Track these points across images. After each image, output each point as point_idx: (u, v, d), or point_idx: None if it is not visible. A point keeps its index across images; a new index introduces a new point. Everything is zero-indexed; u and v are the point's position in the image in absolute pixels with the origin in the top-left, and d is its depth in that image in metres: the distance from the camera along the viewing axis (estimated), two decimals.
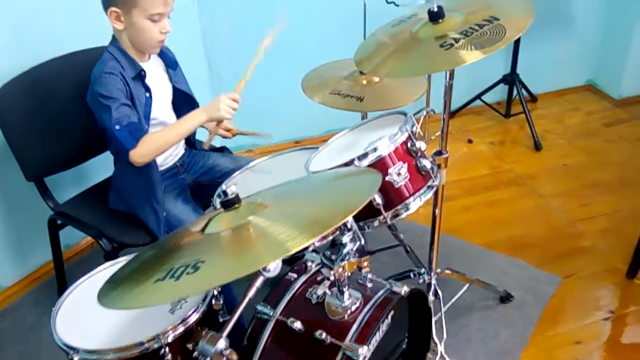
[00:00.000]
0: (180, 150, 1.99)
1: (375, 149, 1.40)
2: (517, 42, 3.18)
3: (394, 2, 2.68)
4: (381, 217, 1.44)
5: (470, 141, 3.27)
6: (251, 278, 1.06)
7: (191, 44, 2.94)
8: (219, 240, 1.02)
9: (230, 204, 1.07)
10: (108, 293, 0.99)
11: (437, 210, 1.76)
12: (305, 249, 1.42)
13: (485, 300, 2.16)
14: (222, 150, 2.14)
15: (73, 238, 2.48)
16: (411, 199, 1.45)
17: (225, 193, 1.07)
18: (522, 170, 3.00)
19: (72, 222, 1.98)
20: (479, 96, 3.40)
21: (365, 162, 1.38)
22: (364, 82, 1.84)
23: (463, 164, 3.10)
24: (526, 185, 2.88)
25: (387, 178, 1.40)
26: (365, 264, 1.35)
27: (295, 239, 0.93)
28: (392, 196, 1.43)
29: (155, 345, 1.26)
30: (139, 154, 1.67)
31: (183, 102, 1.95)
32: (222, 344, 1.06)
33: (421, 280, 1.92)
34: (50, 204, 2.03)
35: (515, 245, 2.47)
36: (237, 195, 1.08)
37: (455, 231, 2.55)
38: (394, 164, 1.41)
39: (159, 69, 1.89)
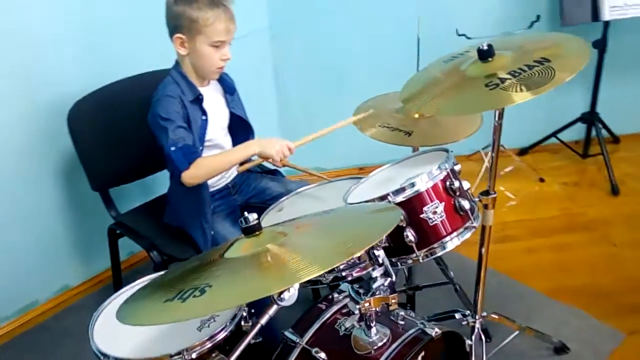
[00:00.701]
0: (232, 172, 2.05)
1: (412, 185, 1.38)
2: (597, 80, 3.03)
3: (465, 35, 2.65)
4: (414, 255, 1.41)
5: (542, 180, 3.14)
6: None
7: (261, 69, 3.05)
8: (235, 265, 1.04)
9: (251, 230, 1.09)
10: (124, 308, 1.03)
11: (483, 250, 1.70)
12: (338, 279, 1.43)
13: (537, 349, 2.04)
14: (274, 173, 2.17)
15: (136, 246, 2.59)
16: (447, 238, 1.41)
17: (246, 220, 1.09)
18: (595, 214, 2.83)
19: (128, 232, 2.10)
20: (554, 134, 3.27)
21: (400, 198, 1.36)
22: (416, 115, 1.82)
23: (532, 204, 2.97)
24: (598, 231, 2.71)
25: (422, 215, 1.37)
26: (394, 301, 1.32)
27: (307, 269, 0.93)
28: (427, 234, 1.40)
29: None
30: (190, 176, 1.75)
31: (239, 127, 2.02)
32: None
33: (465, 322, 1.85)
34: (112, 213, 2.15)
35: (578, 294, 2.32)
36: (259, 223, 1.10)
37: (515, 273, 2.45)
38: (431, 202, 1.37)
39: (217, 94, 1.97)
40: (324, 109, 2.78)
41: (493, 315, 1.90)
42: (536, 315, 2.19)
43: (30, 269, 2.36)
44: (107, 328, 1.42)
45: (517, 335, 1.95)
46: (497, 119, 1.48)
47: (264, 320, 1.08)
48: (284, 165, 1.97)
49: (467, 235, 1.43)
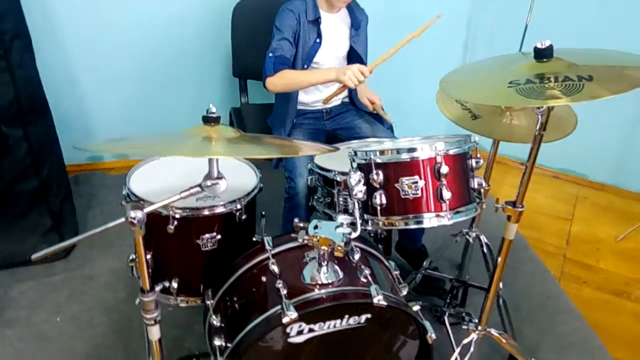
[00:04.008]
0: (335, 101, 2.17)
1: (411, 149, 1.36)
2: None
3: None
4: (376, 218, 1.41)
5: None
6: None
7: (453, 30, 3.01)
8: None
9: (209, 119, 1.25)
10: None
11: (499, 259, 1.58)
12: None
13: None
14: (379, 118, 2.21)
15: None
16: (412, 216, 1.37)
17: (209, 111, 1.25)
18: None
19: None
20: None
21: (382, 159, 1.37)
22: (502, 107, 1.69)
23: None
24: None
25: (396, 184, 1.36)
26: (339, 248, 1.36)
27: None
28: (394, 204, 1.38)
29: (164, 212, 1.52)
30: (270, 82, 1.94)
31: (355, 62, 2.10)
32: None
33: (465, 327, 1.77)
34: (242, 99, 2.52)
35: None
36: (219, 116, 1.25)
37: (600, 326, 2.17)
38: (410, 175, 1.35)
39: (342, 24, 2.07)
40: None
41: (494, 333, 1.76)
42: None
43: None
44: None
45: None
46: (538, 129, 1.34)
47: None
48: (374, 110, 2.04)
49: (435, 223, 1.37)
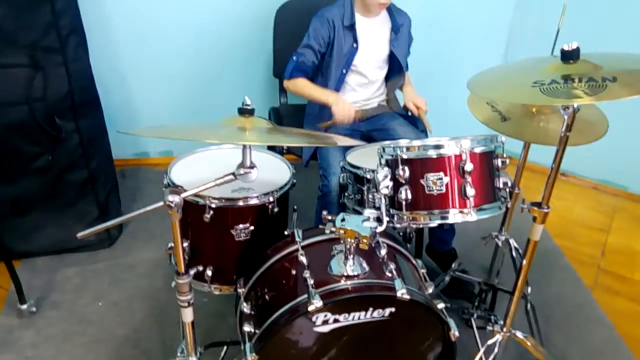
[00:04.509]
0: (372, 103, 2.23)
1: (437, 146, 1.41)
2: None
3: None
4: (401, 213, 1.45)
5: None
6: None
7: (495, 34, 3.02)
8: None
9: (245, 111, 1.33)
10: None
11: (524, 262, 1.60)
12: None
13: None
14: (414, 122, 2.26)
15: None
16: (437, 211, 1.42)
17: (244, 103, 1.33)
18: None
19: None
20: None
21: (409, 155, 1.41)
22: (534, 110, 1.71)
23: None
24: None
25: (421, 180, 1.40)
26: (365, 241, 1.41)
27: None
28: (420, 199, 1.43)
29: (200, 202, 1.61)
30: (286, 85, 2.15)
31: (394, 66, 2.17)
32: None
33: (490, 328, 1.79)
34: (282, 100, 2.63)
35: None
36: (252, 109, 1.33)
37: (633, 339, 2.14)
38: (435, 172, 1.39)
39: (383, 28, 2.13)
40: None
41: (520, 336, 1.77)
42: None
43: None
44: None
45: None
46: (564, 130, 1.36)
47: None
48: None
49: (459, 219, 1.41)
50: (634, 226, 2.93)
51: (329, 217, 1.45)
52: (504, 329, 1.75)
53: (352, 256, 1.47)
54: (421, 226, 1.52)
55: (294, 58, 2.07)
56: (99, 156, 2.38)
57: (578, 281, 2.46)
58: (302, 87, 2.12)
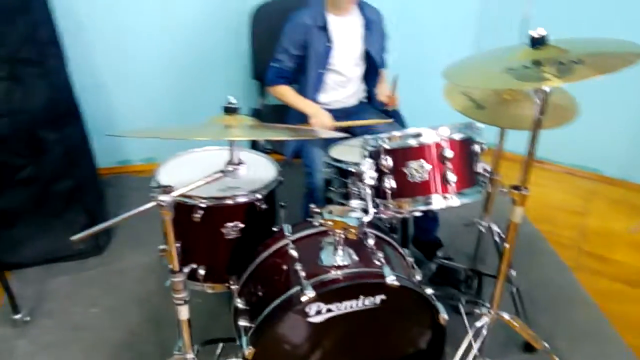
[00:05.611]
0: (352, 101, 2.28)
1: (417, 135, 1.46)
2: None
3: None
4: (387, 201, 1.50)
5: None
6: None
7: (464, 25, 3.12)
8: None
9: (230, 110, 1.37)
10: None
11: (506, 245, 1.66)
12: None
13: None
14: (392, 117, 2.31)
15: None
16: (421, 197, 1.47)
17: (229, 102, 1.37)
18: None
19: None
20: None
21: (392, 145, 1.47)
22: (507, 97, 1.77)
23: None
24: None
25: (404, 169, 1.45)
26: (353, 231, 1.45)
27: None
28: (404, 187, 1.48)
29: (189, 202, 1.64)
30: (269, 91, 2.26)
31: (369, 64, 2.22)
32: None
33: (477, 311, 1.84)
34: (259, 101, 2.68)
35: None
36: (237, 107, 1.37)
37: (615, 317, 2.22)
38: (415, 159, 1.44)
39: (355, 25, 2.18)
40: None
41: (506, 317, 1.83)
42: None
43: None
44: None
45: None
46: (536, 113, 1.42)
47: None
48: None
49: (443, 204, 1.46)
50: (610, 208, 3.02)
51: (317, 210, 1.48)
52: (491, 311, 1.80)
53: (341, 247, 1.52)
54: (407, 215, 1.55)
55: (272, 64, 2.14)
56: (83, 165, 2.40)
57: (560, 263, 2.53)
58: (284, 95, 2.20)
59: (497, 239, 2.08)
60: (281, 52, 2.14)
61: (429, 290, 1.58)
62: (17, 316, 2.08)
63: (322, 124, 2.05)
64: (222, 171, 1.33)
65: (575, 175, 3.33)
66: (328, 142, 1.98)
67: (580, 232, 2.80)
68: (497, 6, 3.10)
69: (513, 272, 2.09)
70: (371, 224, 1.69)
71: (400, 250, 1.75)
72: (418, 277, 1.65)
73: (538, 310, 2.19)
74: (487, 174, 1.54)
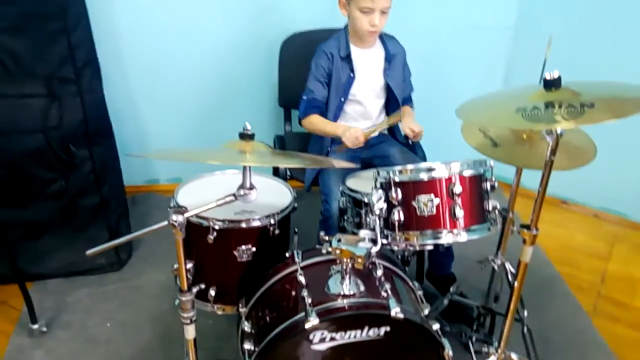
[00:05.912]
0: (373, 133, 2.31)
1: (429, 169, 1.48)
2: None
3: None
4: (394, 234, 1.51)
5: None
6: None
7: (493, 65, 3.12)
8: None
9: (245, 136, 1.42)
10: None
11: (516, 283, 1.65)
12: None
13: None
14: (412, 147, 2.34)
15: None
16: (429, 231, 1.48)
17: (245, 128, 1.42)
18: None
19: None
20: None
21: (401, 178, 1.49)
22: (524, 136, 1.78)
23: None
24: None
25: (412, 202, 1.47)
26: (359, 260, 1.47)
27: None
28: (412, 220, 1.50)
29: (204, 223, 1.69)
30: (302, 123, 2.27)
31: (390, 95, 2.27)
32: None
33: (485, 350, 1.83)
34: (286, 128, 2.76)
35: None
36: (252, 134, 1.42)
37: None
38: (426, 193, 1.46)
39: (376, 58, 2.23)
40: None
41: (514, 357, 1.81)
42: None
43: None
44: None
45: None
46: (549, 155, 1.43)
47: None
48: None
49: (450, 239, 1.47)
50: (633, 254, 2.96)
51: (326, 238, 1.51)
52: (499, 351, 1.78)
53: (348, 276, 1.54)
54: (416, 248, 1.56)
55: (304, 97, 2.20)
56: (110, 182, 2.48)
57: (578, 307, 2.49)
58: (316, 124, 2.23)
59: (510, 277, 2.06)
60: (312, 81, 2.20)
61: (436, 326, 1.57)
62: (35, 326, 2.14)
63: (354, 137, 2.06)
64: (234, 194, 1.37)
65: (600, 217, 3.28)
66: (346, 172, 2.01)
67: (600, 276, 2.74)
68: (527, 46, 3.11)
69: (525, 313, 2.06)
70: (382, 255, 1.70)
71: (410, 283, 1.75)
72: (425, 311, 1.64)
73: (552, 352, 2.15)
74: (498, 212, 1.55)
